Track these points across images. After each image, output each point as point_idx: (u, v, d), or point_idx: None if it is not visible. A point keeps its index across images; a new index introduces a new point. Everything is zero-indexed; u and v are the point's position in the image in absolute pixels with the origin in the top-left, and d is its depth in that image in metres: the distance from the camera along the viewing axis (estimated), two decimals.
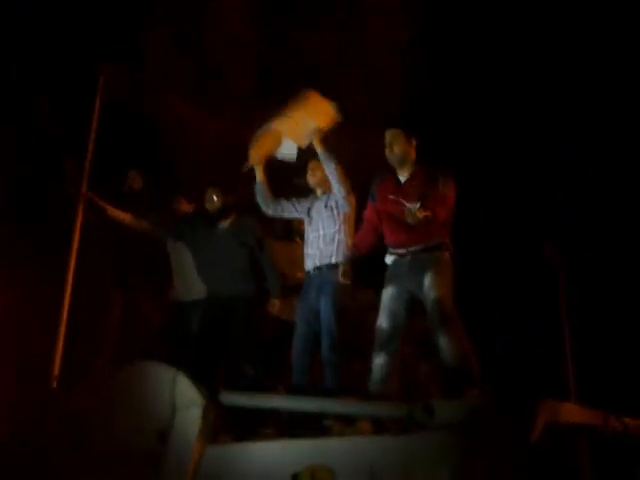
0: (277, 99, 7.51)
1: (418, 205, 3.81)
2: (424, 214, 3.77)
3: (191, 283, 5.24)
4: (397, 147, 4.07)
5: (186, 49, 7.91)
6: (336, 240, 4.51)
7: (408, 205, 3.84)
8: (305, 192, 4.89)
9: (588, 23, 8.06)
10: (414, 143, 4.13)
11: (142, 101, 7.10)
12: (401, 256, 3.98)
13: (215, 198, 5.00)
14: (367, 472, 3.03)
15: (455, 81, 8.12)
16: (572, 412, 3.31)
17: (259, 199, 4.79)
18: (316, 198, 4.74)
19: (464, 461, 2.88)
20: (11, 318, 5.63)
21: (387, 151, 4.11)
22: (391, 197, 4.02)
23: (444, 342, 3.69)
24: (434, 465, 2.92)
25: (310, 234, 4.64)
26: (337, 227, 4.54)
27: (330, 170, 4.48)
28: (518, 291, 8.05)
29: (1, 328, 5.55)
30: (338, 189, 4.50)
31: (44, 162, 6.46)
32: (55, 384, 4.70)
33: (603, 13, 7.99)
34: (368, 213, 4.20)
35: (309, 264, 4.57)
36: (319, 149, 4.50)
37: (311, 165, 4.74)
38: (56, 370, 4.75)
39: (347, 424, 3.64)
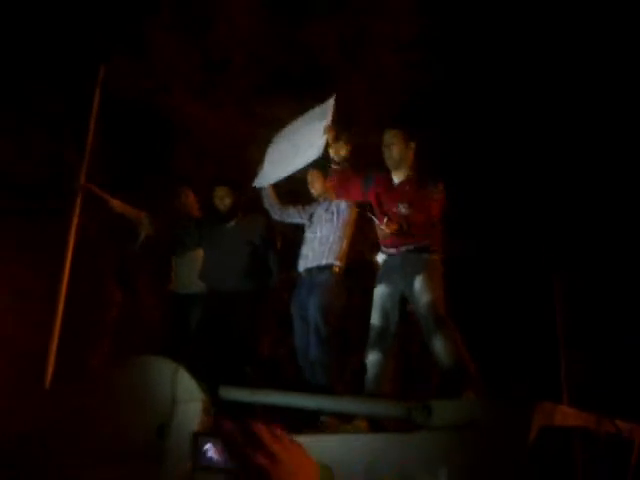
0: (281, 96, 7.54)
1: (386, 219, 3.85)
2: (393, 227, 3.82)
3: (187, 277, 5.22)
4: (395, 149, 3.99)
5: (190, 46, 7.92)
6: (330, 242, 4.54)
7: (381, 218, 3.89)
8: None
9: (588, 25, 8.10)
10: (412, 146, 4.05)
11: (144, 95, 7.09)
12: (392, 255, 4.00)
13: (225, 198, 4.99)
14: (364, 470, 3.04)
15: (454, 84, 8.17)
16: (567, 415, 3.34)
17: (266, 205, 4.90)
18: (318, 204, 4.81)
19: (461, 461, 2.89)
20: (6, 315, 5.60)
21: (385, 151, 4.02)
22: (383, 196, 4.03)
23: (439, 345, 3.69)
24: (431, 465, 2.93)
25: (307, 235, 4.69)
26: (333, 230, 4.57)
27: None
28: (511, 293, 8.08)
29: None
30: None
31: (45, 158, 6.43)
32: (49, 381, 4.67)
33: (603, 15, 8.03)
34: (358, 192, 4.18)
35: (301, 265, 4.61)
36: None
37: (309, 177, 4.81)
38: (50, 367, 4.72)
39: (343, 421, 3.67)
